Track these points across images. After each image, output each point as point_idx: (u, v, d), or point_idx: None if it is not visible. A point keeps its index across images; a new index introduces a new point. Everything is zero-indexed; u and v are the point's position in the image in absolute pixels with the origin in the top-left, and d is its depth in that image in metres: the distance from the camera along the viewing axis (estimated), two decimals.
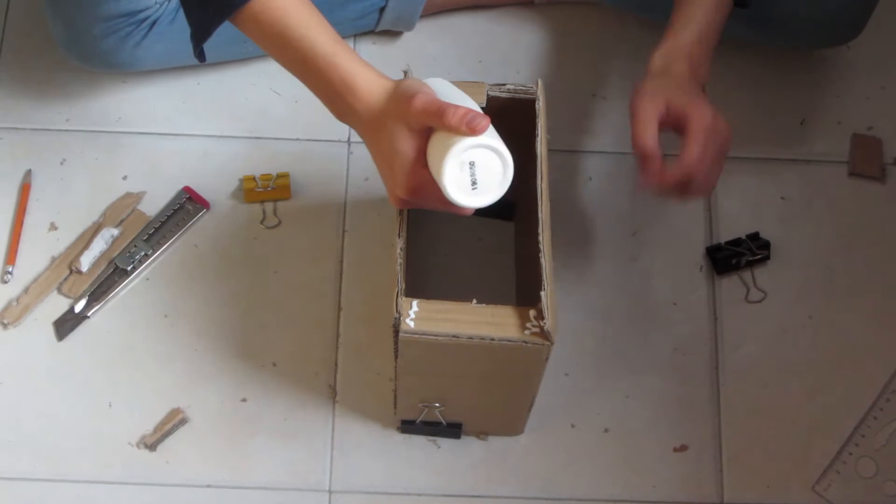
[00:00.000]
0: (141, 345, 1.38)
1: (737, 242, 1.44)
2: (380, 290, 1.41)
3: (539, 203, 1.16)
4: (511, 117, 1.19)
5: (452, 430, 1.33)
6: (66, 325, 1.39)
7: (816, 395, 1.38)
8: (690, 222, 1.46)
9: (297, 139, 1.49)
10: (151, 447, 1.34)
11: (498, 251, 1.42)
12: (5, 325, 1.39)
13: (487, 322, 1.12)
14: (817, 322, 1.42)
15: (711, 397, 1.38)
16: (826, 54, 1.55)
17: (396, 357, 1.17)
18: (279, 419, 1.35)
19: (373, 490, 1.33)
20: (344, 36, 1.53)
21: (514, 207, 1.40)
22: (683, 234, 1.46)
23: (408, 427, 1.34)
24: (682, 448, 1.36)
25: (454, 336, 1.12)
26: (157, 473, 1.33)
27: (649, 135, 1.19)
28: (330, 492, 1.33)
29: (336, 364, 1.38)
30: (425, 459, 1.34)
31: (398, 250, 1.15)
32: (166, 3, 1.39)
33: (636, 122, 1.20)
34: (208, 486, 1.33)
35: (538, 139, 1.19)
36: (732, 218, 1.46)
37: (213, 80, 1.52)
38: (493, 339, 1.12)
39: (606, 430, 1.36)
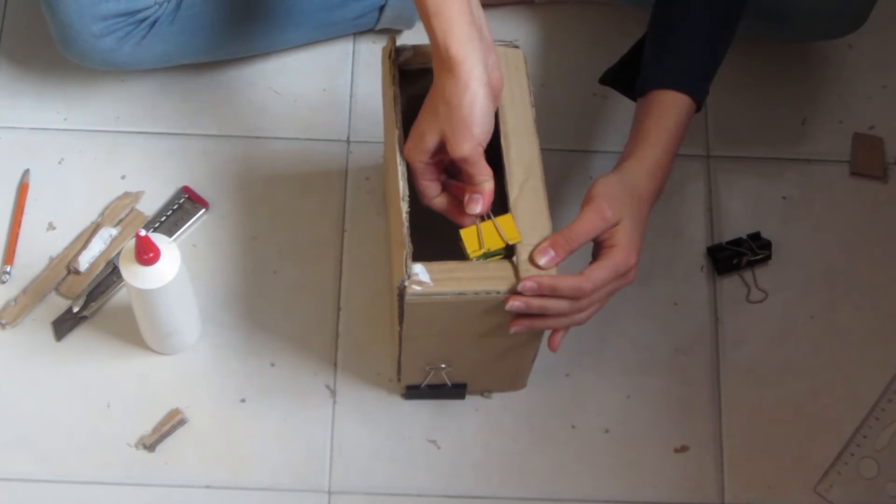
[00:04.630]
0: (140, 345, 1.37)
1: (738, 242, 1.44)
2: (380, 290, 1.40)
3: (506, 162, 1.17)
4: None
5: (457, 390, 1.33)
6: (64, 325, 1.38)
7: (818, 395, 1.38)
8: (691, 222, 1.46)
9: (297, 139, 1.49)
10: (150, 448, 1.33)
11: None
12: (3, 326, 1.38)
13: (490, 277, 1.12)
14: (819, 322, 1.41)
15: (712, 398, 1.38)
16: (827, 54, 1.55)
17: (401, 322, 1.17)
18: (279, 419, 1.35)
19: (373, 490, 1.33)
20: (344, 34, 1.54)
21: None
22: (684, 234, 1.45)
23: (413, 392, 1.34)
24: (683, 448, 1.36)
25: (460, 293, 1.12)
26: (156, 474, 1.33)
27: (586, 237, 1.15)
28: (330, 492, 1.33)
29: (336, 364, 1.38)
30: (425, 459, 1.34)
31: (403, 214, 1.14)
32: (166, 3, 1.39)
33: (589, 218, 1.15)
34: (207, 486, 1.32)
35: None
36: (733, 218, 1.46)
37: (213, 80, 1.51)
38: (498, 293, 1.12)
39: (607, 431, 1.36)
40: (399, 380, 1.32)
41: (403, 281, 1.11)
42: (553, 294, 1.13)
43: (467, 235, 1.14)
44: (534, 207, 1.15)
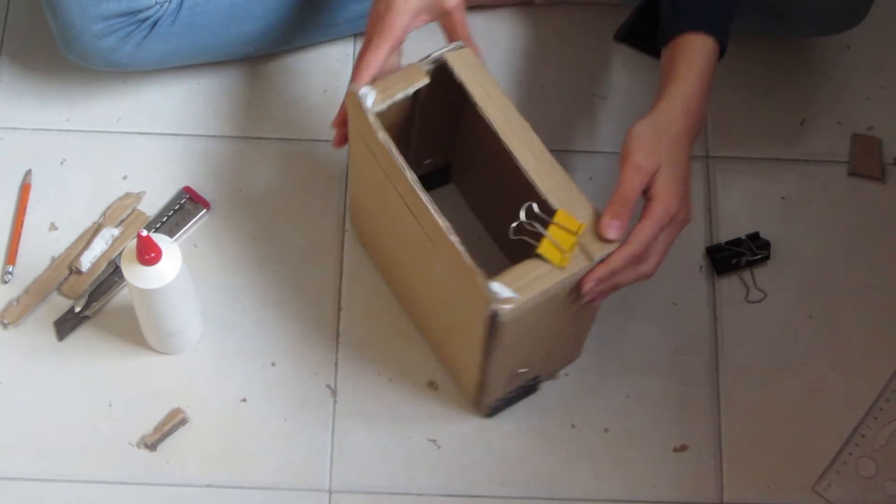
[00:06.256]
0: (141, 344, 1.38)
1: (737, 242, 1.44)
2: (380, 289, 1.41)
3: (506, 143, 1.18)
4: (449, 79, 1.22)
5: (530, 387, 1.34)
6: (66, 325, 1.39)
7: (816, 394, 1.38)
8: (690, 223, 1.46)
9: (298, 139, 1.49)
10: (151, 447, 1.34)
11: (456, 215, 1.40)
12: (5, 325, 1.39)
13: (557, 264, 1.13)
14: (817, 322, 1.42)
15: (711, 397, 1.38)
16: (826, 54, 1.55)
17: (492, 347, 1.17)
18: (279, 419, 1.36)
19: (373, 490, 1.33)
20: (345, 36, 1.54)
21: (448, 169, 1.42)
22: (683, 235, 1.44)
23: (496, 408, 1.34)
24: (682, 448, 1.36)
25: (544, 291, 1.12)
26: (157, 473, 1.33)
27: (635, 194, 1.17)
28: (330, 492, 1.33)
29: (336, 364, 1.38)
30: (425, 459, 1.34)
31: (459, 247, 1.13)
32: (167, 3, 1.39)
33: (629, 176, 1.16)
34: (208, 486, 1.33)
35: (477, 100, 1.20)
36: (732, 218, 1.46)
37: (213, 80, 1.52)
38: (575, 274, 1.13)
39: (606, 430, 1.36)
40: (480, 403, 1.32)
41: (492, 306, 1.11)
42: (614, 274, 1.15)
43: (546, 250, 1.13)
44: (562, 186, 1.16)
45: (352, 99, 1.20)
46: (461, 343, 1.26)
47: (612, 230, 1.14)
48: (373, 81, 1.21)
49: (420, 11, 1.24)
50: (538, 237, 1.13)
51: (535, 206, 1.14)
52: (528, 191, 1.16)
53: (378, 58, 1.22)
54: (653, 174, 1.16)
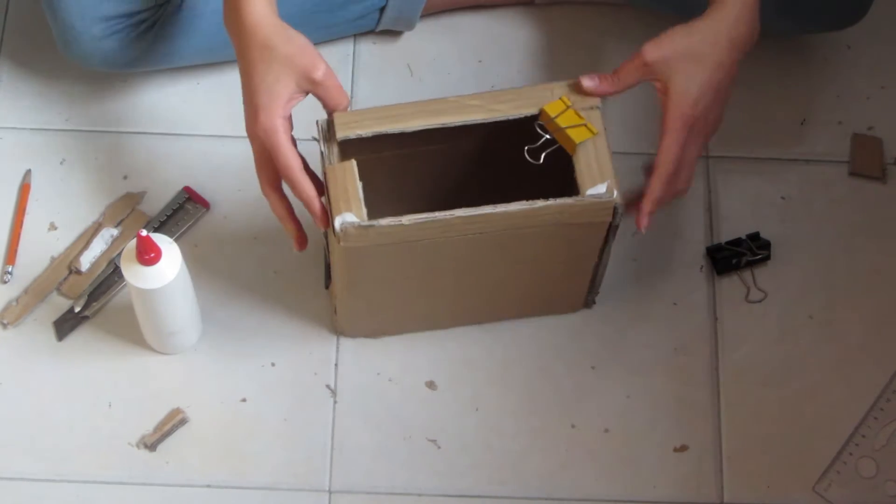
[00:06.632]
0: (141, 345, 1.38)
1: (737, 242, 1.44)
2: None
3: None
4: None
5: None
6: (65, 325, 1.39)
7: (816, 395, 1.38)
8: (690, 222, 1.46)
9: (298, 139, 1.47)
10: (151, 447, 1.34)
11: None
12: (5, 326, 1.39)
13: (594, 134, 1.20)
14: (817, 322, 1.42)
15: (711, 397, 1.38)
16: (827, 54, 1.55)
17: (609, 241, 1.26)
18: (279, 419, 1.35)
19: (373, 490, 1.33)
20: (344, 36, 1.54)
21: None
22: (683, 234, 1.46)
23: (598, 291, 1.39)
24: (682, 448, 1.36)
25: (611, 157, 1.21)
26: (157, 473, 1.33)
27: (628, 78, 1.21)
28: (330, 492, 1.33)
29: (336, 364, 1.38)
30: (425, 459, 1.34)
31: (538, 204, 1.18)
32: (167, 4, 1.39)
33: (624, 74, 1.22)
34: (208, 486, 1.33)
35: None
36: (733, 218, 1.46)
37: (213, 80, 1.52)
38: (604, 128, 1.21)
39: (606, 431, 1.36)
40: (589, 299, 1.38)
41: (614, 203, 1.19)
42: (659, 201, 1.21)
43: (578, 136, 1.20)
44: (519, 97, 1.22)
45: (343, 235, 1.19)
46: (563, 274, 1.32)
47: (589, 81, 1.21)
48: (316, 188, 1.21)
49: (291, 96, 1.20)
50: (552, 145, 1.20)
51: (539, 124, 1.21)
52: (499, 133, 1.21)
53: (297, 167, 1.20)
54: (652, 69, 1.19)
